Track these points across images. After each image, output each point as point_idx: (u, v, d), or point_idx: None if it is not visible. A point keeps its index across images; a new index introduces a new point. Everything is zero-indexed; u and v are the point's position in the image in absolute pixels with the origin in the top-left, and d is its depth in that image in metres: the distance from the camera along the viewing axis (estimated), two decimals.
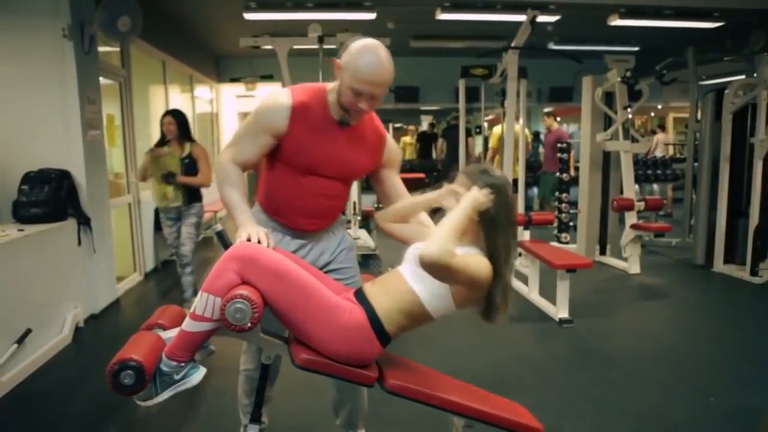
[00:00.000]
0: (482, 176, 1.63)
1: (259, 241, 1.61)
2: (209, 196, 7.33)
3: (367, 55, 1.68)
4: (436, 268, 1.44)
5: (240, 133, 1.86)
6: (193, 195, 4.14)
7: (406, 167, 9.67)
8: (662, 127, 11.74)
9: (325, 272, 1.90)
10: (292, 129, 1.78)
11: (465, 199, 1.58)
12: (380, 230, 1.93)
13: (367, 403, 2.16)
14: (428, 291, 1.57)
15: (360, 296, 1.64)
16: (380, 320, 1.58)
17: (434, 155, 10.15)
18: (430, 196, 1.77)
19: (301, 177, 1.84)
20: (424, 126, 13.04)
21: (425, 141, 10.55)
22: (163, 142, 4.10)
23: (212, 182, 3.83)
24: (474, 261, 1.53)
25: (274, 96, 1.82)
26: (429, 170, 9.54)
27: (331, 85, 1.83)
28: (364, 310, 1.58)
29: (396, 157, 2.03)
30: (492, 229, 1.59)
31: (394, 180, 2.01)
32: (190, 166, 4.04)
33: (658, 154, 10.04)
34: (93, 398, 2.87)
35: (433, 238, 1.48)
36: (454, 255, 1.45)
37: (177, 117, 4.09)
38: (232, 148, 1.85)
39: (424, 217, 1.92)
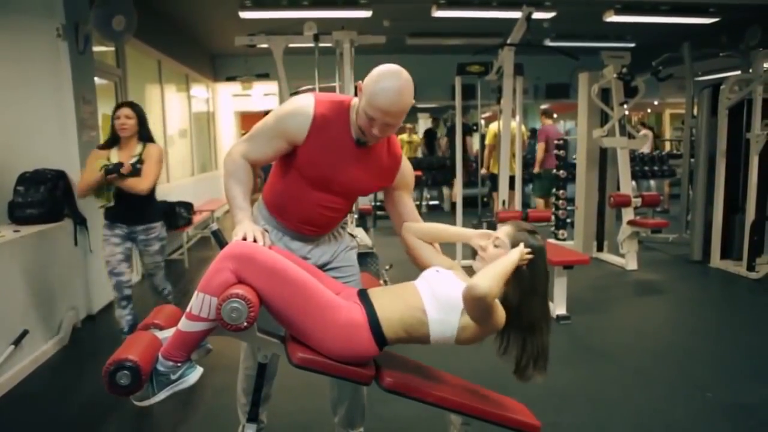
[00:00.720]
0: (528, 236, 1.66)
1: (255, 240, 1.61)
2: (203, 195, 7.35)
3: (385, 83, 1.64)
4: (480, 303, 1.47)
5: (257, 131, 1.84)
6: (150, 213, 3.28)
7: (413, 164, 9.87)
8: (644, 124, 11.69)
9: (325, 271, 1.90)
10: (309, 140, 1.76)
11: (514, 252, 1.60)
12: (400, 238, 1.95)
13: (365, 401, 2.16)
14: (439, 317, 1.57)
15: (363, 297, 1.64)
16: (380, 324, 1.57)
17: (439, 152, 10.56)
18: (465, 233, 1.83)
19: (309, 188, 1.83)
20: (422, 124, 13.21)
21: (430, 138, 10.79)
22: (113, 142, 3.18)
23: (147, 188, 3.10)
24: (501, 310, 1.55)
25: (299, 103, 1.79)
26: (436, 166, 9.99)
27: (355, 101, 1.80)
28: (366, 310, 1.58)
29: (410, 180, 2.00)
30: (532, 294, 1.64)
31: (406, 201, 1.99)
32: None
33: (645, 150, 10.03)
34: (90, 399, 2.87)
35: (485, 275, 1.50)
36: (496, 297, 1.49)
37: (137, 110, 3.20)
38: (246, 143, 1.84)
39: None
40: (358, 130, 1.75)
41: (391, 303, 1.61)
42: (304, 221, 1.89)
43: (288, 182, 1.87)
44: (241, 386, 2.15)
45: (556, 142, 6.88)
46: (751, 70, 5.30)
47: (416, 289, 1.64)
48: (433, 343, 1.61)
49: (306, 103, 1.77)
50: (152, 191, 3.24)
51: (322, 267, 1.93)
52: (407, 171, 1.97)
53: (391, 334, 1.58)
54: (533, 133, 10.11)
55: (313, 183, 1.82)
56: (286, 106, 1.81)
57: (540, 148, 7.38)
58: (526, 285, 1.62)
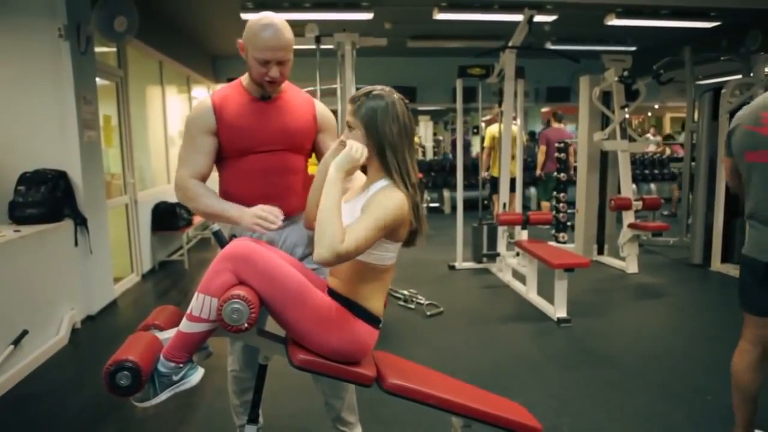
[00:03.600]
0: (366, 100, 1.55)
1: (267, 222, 1.70)
2: None
3: (262, 25, 1.79)
4: (342, 261, 1.44)
5: (182, 151, 1.92)
6: None
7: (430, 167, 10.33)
8: (654, 127, 11.70)
9: (302, 260, 1.92)
10: (221, 123, 1.87)
11: (332, 166, 1.50)
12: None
13: (355, 400, 2.15)
14: (367, 253, 1.53)
15: (332, 293, 1.62)
16: (360, 305, 1.58)
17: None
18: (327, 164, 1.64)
19: (243, 161, 1.89)
20: (422, 126, 13.37)
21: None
22: None
23: None
24: (376, 210, 1.48)
25: (196, 105, 1.95)
26: (437, 169, 10.45)
27: (245, 75, 1.94)
28: (342, 304, 1.58)
29: (331, 122, 2.07)
30: (383, 154, 1.55)
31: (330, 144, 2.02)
32: None
33: (651, 149, 10.06)
34: (90, 400, 2.86)
35: (316, 237, 1.44)
36: (341, 242, 1.40)
37: None
38: (182, 167, 1.90)
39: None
40: (257, 87, 1.88)
41: (344, 281, 1.60)
42: (261, 198, 1.87)
43: (230, 172, 1.93)
44: (231, 389, 2.16)
45: (556, 145, 6.88)
46: (751, 74, 5.31)
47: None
48: (393, 262, 1.62)
49: (202, 99, 1.94)
50: None
51: (302, 258, 1.94)
52: (325, 111, 2.06)
53: (373, 301, 1.59)
54: (531, 137, 10.13)
55: (246, 152, 1.88)
56: (189, 115, 1.94)
57: (541, 151, 7.40)
58: (381, 148, 1.54)
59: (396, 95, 1.59)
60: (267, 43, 1.78)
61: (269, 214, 1.71)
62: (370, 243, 1.47)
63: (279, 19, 1.82)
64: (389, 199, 1.50)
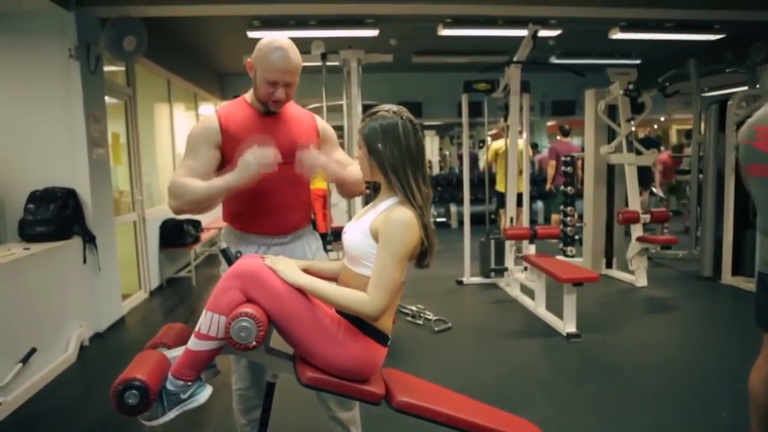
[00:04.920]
0: (370, 121, 1.58)
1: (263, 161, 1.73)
2: (211, 213, 7.35)
3: (274, 47, 1.85)
4: (387, 305, 1.50)
5: (183, 159, 1.95)
6: None
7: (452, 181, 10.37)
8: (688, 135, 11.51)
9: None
10: (225, 136, 1.90)
11: (292, 281, 1.52)
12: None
13: (358, 414, 2.14)
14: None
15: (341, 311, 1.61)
16: (369, 323, 1.56)
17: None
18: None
19: None
20: (428, 141, 13.39)
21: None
22: None
23: None
24: (391, 246, 1.49)
25: (202, 118, 2.01)
26: (443, 183, 10.58)
27: (249, 92, 1.99)
28: (350, 321, 1.56)
29: (332, 133, 2.13)
30: (386, 173, 1.57)
31: (336, 156, 2.08)
32: None
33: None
34: (98, 418, 2.85)
35: (356, 310, 1.50)
36: (367, 299, 1.48)
37: None
38: (182, 168, 1.91)
39: (341, 156, 2.06)
40: (262, 104, 1.93)
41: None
42: (270, 209, 1.92)
43: None
44: (236, 407, 2.14)
45: (563, 158, 6.87)
46: (757, 86, 5.30)
47: (350, 269, 1.62)
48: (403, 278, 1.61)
49: (207, 114, 2.00)
50: None
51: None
52: (325, 124, 2.12)
53: (382, 319, 1.56)
54: (533, 149, 10.11)
55: None
56: (194, 128, 1.98)
57: (551, 165, 7.42)
58: (383, 166, 1.56)
59: (402, 117, 1.58)
60: (276, 65, 1.84)
61: (259, 153, 1.73)
62: (398, 277, 1.50)
63: (289, 43, 1.89)
64: (398, 222, 1.50)
